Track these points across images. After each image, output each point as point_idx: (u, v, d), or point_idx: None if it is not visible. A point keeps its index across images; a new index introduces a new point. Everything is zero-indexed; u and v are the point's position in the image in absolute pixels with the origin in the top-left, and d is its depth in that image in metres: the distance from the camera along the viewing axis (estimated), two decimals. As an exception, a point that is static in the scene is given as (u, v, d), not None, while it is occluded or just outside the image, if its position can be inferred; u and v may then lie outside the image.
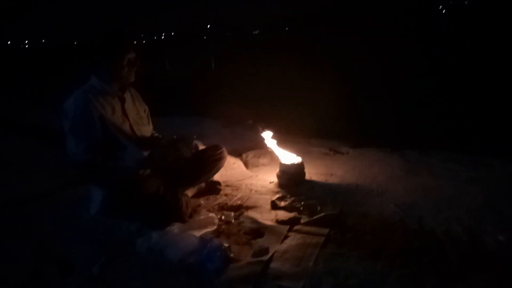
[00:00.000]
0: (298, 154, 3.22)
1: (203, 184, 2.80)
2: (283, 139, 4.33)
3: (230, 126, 5.45)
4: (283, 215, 2.41)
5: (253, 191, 2.84)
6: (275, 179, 2.99)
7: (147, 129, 2.61)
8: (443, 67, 7.89)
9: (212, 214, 2.39)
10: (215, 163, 2.73)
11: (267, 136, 3.12)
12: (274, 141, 3.12)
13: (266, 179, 3.08)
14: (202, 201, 2.68)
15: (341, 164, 3.38)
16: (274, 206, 2.53)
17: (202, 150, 2.94)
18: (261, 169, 3.34)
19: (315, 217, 2.32)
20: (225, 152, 2.80)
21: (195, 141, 3.33)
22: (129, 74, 2.32)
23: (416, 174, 3.01)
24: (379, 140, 4.02)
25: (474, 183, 2.72)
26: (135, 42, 2.49)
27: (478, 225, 2.13)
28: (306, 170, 3.09)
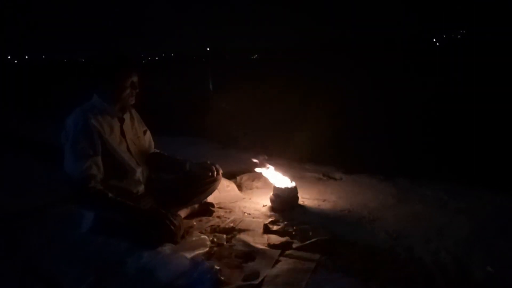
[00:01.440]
0: (292, 179, 3.26)
1: (196, 205, 2.81)
2: (278, 163, 4.38)
3: (225, 148, 5.50)
4: (275, 239, 2.42)
5: (246, 214, 2.86)
6: (268, 203, 3.01)
7: (145, 150, 2.65)
8: (437, 97, 8.09)
9: (204, 236, 2.39)
10: (209, 184, 2.76)
11: (266, 168, 3.16)
12: (270, 168, 3.15)
13: (260, 202, 3.10)
14: (194, 222, 2.69)
15: (334, 190, 3.41)
16: (267, 229, 2.54)
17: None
18: (255, 192, 3.36)
19: (306, 242, 2.33)
20: (220, 174, 2.82)
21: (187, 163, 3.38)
22: (131, 96, 2.38)
23: (407, 202, 3.05)
24: (372, 167, 4.07)
25: (463, 213, 2.76)
26: (138, 65, 2.56)
27: (467, 255, 2.15)
28: (300, 194, 3.12)
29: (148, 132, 2.73)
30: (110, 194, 2.20)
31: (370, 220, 2.72)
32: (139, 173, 2.49)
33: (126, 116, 2.50)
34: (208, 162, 2.70)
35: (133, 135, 2.55)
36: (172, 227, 2.21)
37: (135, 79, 2.35)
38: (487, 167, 3.98)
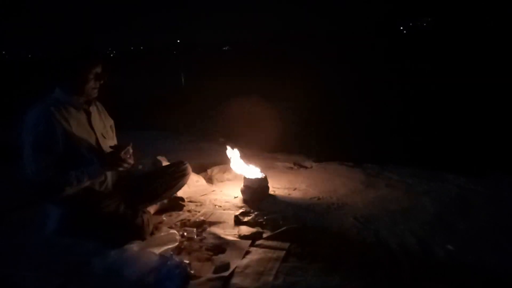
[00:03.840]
0: (263, 169, 3.27)
1: (166, 200, 2.77)
2: (250, 154, 4.39)
3: (196, 140, 5.45)
4: (246, 230, 2.42)
5: (216, 207, 2.84)
6: (239, 194, 3.01)
7: (112, 143, 2.57)
8: (403, 85, 8.30)
9: (173, 231, 2.36)
10: (179, 179, 2.72)
11: (234, 154, 3.15)
12: (239, 158, 3.15)
13: (231, 194, 3.09)
14: (164, 217, 2.65)
15: (304, 178, 3.45)
16: (237, 221, 2.54)
17: (166, 166, 2.93)
18: (226, 184, 3.35)
19: (276, 232, 2.35)
20: (189, 169, 2.79)
21: (159, 157, 3.31)
22: (95, 88, 2.30)
23: (375, 187, 3.13)
24: (341, 155, 4.15)
25: (427, 196, 2.86)
26: (102, 56, 2.47)
27: (429, 236, 2.24)
28: (270, 184, 3.14)
29: (113, 126, 2.65)
30: (74, 191, 2.13)
31: (339, 206, 2.77)
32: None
33: (93, 109, 2.41)
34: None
35: (102, 128, 2.47)
36: (139, 223, 2.17)
37: (98, 70, 2.26)
38: (450, 151, 4.13)
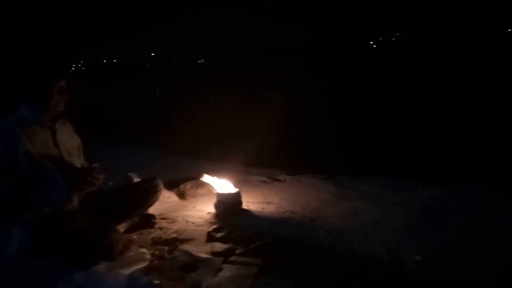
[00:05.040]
0: (237, 183, 3.26)
1: (136, 218, 2.70)
2: (224, 169, 4.36)
3: (170, 155, 5.38)
4: (218, 246, 2.39)
5: (189, 223, 2.80)
6: (212, 210, 2.97)
7: (78, 162, 2.50)
8: (373, 97, 8.51)
9: (144, 250, 2.30)
10: (150, 196, 2.67)
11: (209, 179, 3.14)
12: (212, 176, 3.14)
13: (204, 209, 3.05)
14: (135, 236, 2.58)
15: (278, 192, 3.45)
16: (210, 237, 2.51)
17: (137, 182, 2.87)
18: (199, 200, 3.30)
19: (250, 247, 2.33)
20: (161, 185, 2.74)
21: (130, 174, 3.24)
22: (59, 102, 2.23)
23: (347, 199, 3.17)
24: (315, 167, 4.19)
25: (398, 207, 2.92)
26: (66, 69, 2.42)
27: (400, 247, 2.28)
28: (244, 199, 3.12)
29: (81, 144, 2.58)
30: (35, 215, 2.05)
31: (312, 219, 2.78)
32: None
33: (59, 126, 2.34)
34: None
35: (68, 146, 2.39)
36: (107, 243, 2.10)
37: (62, 83, 2.21)
38: (421, 161, 4.25)
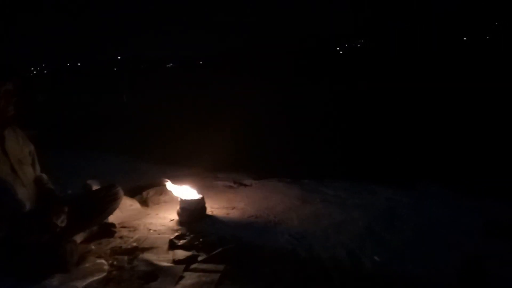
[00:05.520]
0: (202, 189, 3.23)
1: (95, 227, 2.61)
2: (190, 174, 4.32)
3: (134, 161, 5.26)
4: (181, 254, 2.35)
5: (151, 231, 2.74)
6: (176, 217, 2.93)
7: (31, 171, 2.38)
8: (338, 102, 8.74)
9: (101, 260, 2.23)
10: (109, 204, 2.58)
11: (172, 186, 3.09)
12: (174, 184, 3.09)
13: (167, 217, 3.00)
14: (93, 246, 2.48)
15: (243, 197, 3.45)
16: (172, 245, 2.46)
17: (96, 190, 2.78)
18: (162, 207, 3.24)
19: (212, 254, 2.31)
20: (121, 192, 2.66)
21: (90, 181, 3.14)
22: (6, 107, 2.13)
23: (311, 202, 3.21)
24: (280, 171, 4.24)
25: (358, 209, 3.00)
26: (12, 72, 2.30)
27: (359, 248, 2.33)
28: (209, 204, 3.10)
29: (34, 151, 2.47)
30: None
31: (276, 224, 2.80)
32: (23, 194, 2.23)
33: (8, 134, 2.23)
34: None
35: (19, 154, 2.28)
36: (62, 254, 2.01)
37: (9, 87, 2.10)
38: (380, 164, 4.40)
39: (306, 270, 2.15)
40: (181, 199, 2.89)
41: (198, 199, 2.90)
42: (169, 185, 3.11)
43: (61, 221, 2.15)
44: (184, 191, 3.00)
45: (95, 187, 3.01)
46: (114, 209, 2.61)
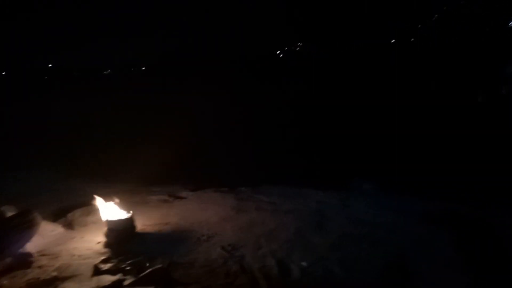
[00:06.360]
0: (134, 206, 3.11)
1: (9, 259, 2.39)
2: (123, 190, 4.13)
3: (61, 179, 4.92)
4: (106, 279, 2.23)
5: (75, 257, 2.56)
6: (103, 239, 2.77)
7: None
8: (275, 107, 8.86)
9: (13, 296, 2.04)
10: (25, 231, 2.39)
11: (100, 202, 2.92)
12: (103, 200, 2.93)
13: (94, 239, 2.83)
14: (5, 281, 2.27)
15: (178, 211, 3.38)
16: (97, 271, 2.33)
17: (9, 217, 2.56)
18: (90, 229, 3.05)
19: (140, 276, 2.22)
20: (38, 218, 2.48)
21: (3, 207, 2.88)
22: None
23: (245, 211, 3.23)
24: (217, 181, 4.21)
25: (290, 214, 3.07)
26: None
27: (288, 255, 2.39)
28: (140, 222, 2.99)
29: None
30: None
31: (209, 237, 2.77)
32: None
33: None
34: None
35: None
36: None
37: None
38: (312, 168, 4.54)
39: (236, 282, 2.15)
40: (108, 220, 2.75)
41: (126, 219, 2.78)
42: (96, 204, 2.94)
43: None
44: (111, 210, 2.85)
45: (9, 213, 2.76)
46: (30, 237, 2.42)
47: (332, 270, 2.20)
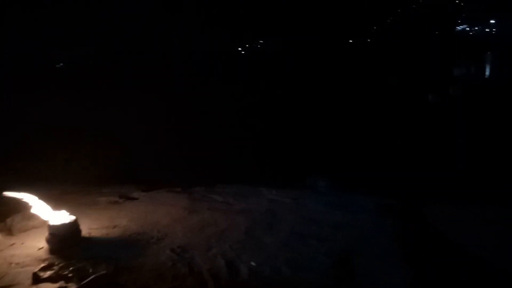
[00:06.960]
0: (82, 207, 2.99)
1: None
2: (70, 191, 3.94)
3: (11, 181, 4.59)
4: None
5: (13, 265, 2.42)
6: (45, 244, 2.63)
7: None
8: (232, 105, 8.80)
9: None
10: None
11: (31, 199, 2.76)
12: (39, 201, 2.77)
13: (35, 245, 2.68)
14: None
15: (128, 212, 3.28)
16: (36, 279, 2.21)
17: None
18: (31, 234, 2.89)
19: (82, 283, 2.14)
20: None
21: None
22: None
23: (198, 212, 3.20)
24: (171, 180, 4.13)
25: (243, 214, 3.08)
26: None
27: (238, 255, 2.40)
28: (87, 225, 2.87)
29: None
30: None
31: (159, 239, 2.71)
32: None
33: None
34: None
35: None
36: None
37: None
38: (267, 166, 4.58)
39: (185, 285, 2.13)
40: (49, 225, 2.61)
41: (69, 222, 2.65)
42: (35, 206, 2.78)
43: None
44: (53, 214, 2.71)
45: None
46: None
47: (280, 269, 2.23)
